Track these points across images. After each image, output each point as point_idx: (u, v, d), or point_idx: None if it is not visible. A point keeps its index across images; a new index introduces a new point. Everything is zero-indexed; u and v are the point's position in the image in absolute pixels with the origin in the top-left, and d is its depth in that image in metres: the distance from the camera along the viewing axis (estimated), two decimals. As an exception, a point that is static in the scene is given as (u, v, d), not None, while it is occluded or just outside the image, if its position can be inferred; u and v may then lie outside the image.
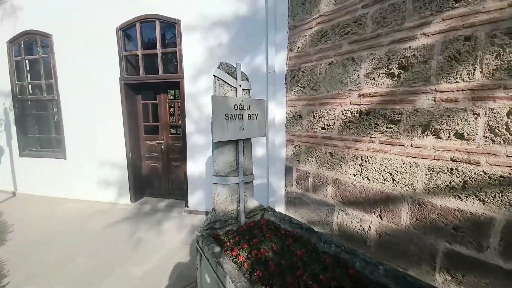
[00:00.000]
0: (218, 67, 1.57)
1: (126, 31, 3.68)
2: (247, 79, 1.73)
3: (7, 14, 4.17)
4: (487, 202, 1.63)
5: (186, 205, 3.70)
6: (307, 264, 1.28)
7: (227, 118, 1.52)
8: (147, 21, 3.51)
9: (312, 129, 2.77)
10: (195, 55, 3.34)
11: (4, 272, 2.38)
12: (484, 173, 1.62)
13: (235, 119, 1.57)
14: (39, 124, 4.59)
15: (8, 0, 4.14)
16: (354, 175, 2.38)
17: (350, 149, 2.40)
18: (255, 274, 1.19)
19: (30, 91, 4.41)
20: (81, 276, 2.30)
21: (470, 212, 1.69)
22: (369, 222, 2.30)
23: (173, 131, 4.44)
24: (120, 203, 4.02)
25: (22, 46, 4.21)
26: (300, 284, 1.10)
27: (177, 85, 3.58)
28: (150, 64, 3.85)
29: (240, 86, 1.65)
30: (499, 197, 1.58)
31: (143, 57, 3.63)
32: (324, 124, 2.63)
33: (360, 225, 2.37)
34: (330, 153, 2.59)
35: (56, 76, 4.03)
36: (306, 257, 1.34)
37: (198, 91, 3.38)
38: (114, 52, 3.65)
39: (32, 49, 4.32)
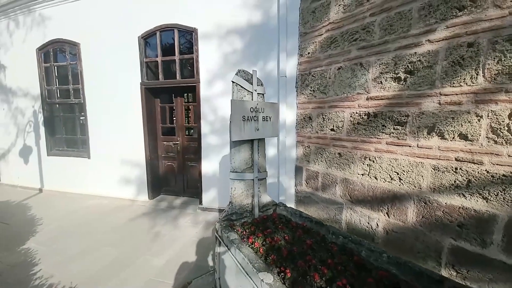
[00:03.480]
0: (236, 74, 1.75)
1: (147, 39, 3.95)
2: (262, 85, 1.89)
3: (36, 23, 4.56)
4: (490, 200, 1.70)
5: (200, 202, 3.90)
6: (316, 251, 1.41)
7: (244, 119, 1.68)
8: (166, 29, 3.77)
9: (322, 130, 2.89)
10: (211, 61, 3.56)
11: (35, 261, 2.63)
12: (487, 172, 1.70)
13: (251, 120, 1.74)
14: (65, 126, 4.95)
15: (37, 10, 4.51)
16: (362, 174, 2.48)
17: (358, 150, 2.50)
18: (270, 258, 1.34)
19: (58, 95, 4.78)
20: (106, 264, 2.51)
21: (474, 210, 1.77)
22: (376, 220, 2.39)
23: (188, 132, 4.68)
24: (139, 199, 4.27)
25: (51, 53, 4.59)
26: (310, 267, 1.24)
27: (193, 89, 3.80)
28: (168, 69, 4.10)
29: (256, 91, 1.81)
30: (501, 195, 1.65)
31: (162, 63, 3.89)
32: (333, 126, 2.75)
33: (368, 223, 2.46)
34: (339, 153, 2.71)
35: (83, 82, 4.36)
36: (315, 246, 1.47)
37: (213, 95, 3.58)
38: (136, 59, 3.93)
39: (60, 56, 4.69)
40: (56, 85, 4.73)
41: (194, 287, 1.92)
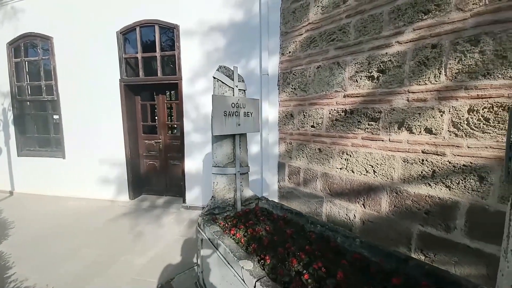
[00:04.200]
0: (218, 70, 1.77)
1: (126, 35, 3.84)
2: (243, 81, 1.93)
3: (8, 16, 4.27)
4: (452, 188, 1.87)
5: (184, 201, 3.86)
6: (295, 240, 1.48)
7: (225, 114, 1.71)
8: (146, 25, 3.69)
9: (303, 127, 2.99)
10: (193, 58, 3.54)
11: (9, 264, 2.49)
12: (449, 162, 1.86)
13: (233, 116, 1.77)
14: (37, 124, 4.68)
15: (9, 2, 4.24)
16: (341, 168, 2.61)
17: (337, 145, 2.62)
18: (251, 247, 1.38)
19: (29, 92, 4.50)
20: (85, 265, 2.43)
21: (439, 198, 1.93)
22: (354, 211, 2.52)
23: (171, 131, 4.61)
24: (120, 200, 4.14)
25: (22, 48, 4.32)
26: (289, 254, 1.30)
27: (175, 87, 3.76)
28: (149, 66, 4.01)
29: (237, 86, 1.85)
30: (462, 183, 1.82)
31: (143, 59, 3.80)
32: (313, 123, 2.85)
33: (346, 214, 2.59)
34: (319, 149, 2.82)
35: (56, 78, 4.15)
36: (295, 235, 1.54)
37: (196, 92, 3.56)
38: (115, 55, 3.80)
39: (32, 51, 4.43)
40: (27, 81, 4.45)
41: (177, 282, 1.92)
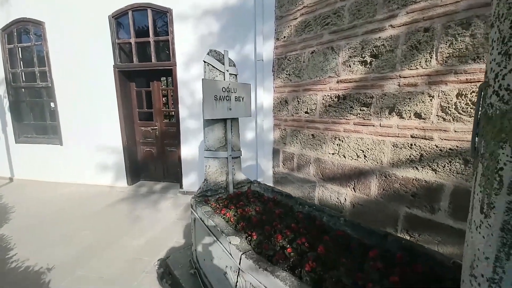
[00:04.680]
0: (208, 54, 1.77)
1: (118, 19, 3.76)
2: (234, 65, 1.93)
3: (0, 2, 4.16)
4: (438, 171, 1.92)
5: (181, 186, 3.94)
6: (283, 219, 1.54)
7: (216, 99, 1.73)
8: (139, 9, 3.60)
9: (297, 113, 3.01)
10: (187, 44, 3.49)
11: (10, 246, 2.58)
12: (436, 146, 1.91)
13: (223, 100, 1.79)
14: (33, 111, 4.67)
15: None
16: (333, 154, 2.65)
17: (330, 131, 2.65)
18: (240, 225, 1.45)
19: (24, 79, 4.46)
20: (84, 246, 2.52)
21: (425, 181, 1.99)
22: (345, 195, 2.59)
23: (167, 117, 4.62)
24: (118, 186, 4.22)
25: (15, 33, 4.24)
26: (276, 231, 1.37)
27: (169, 73, 3.73)
28: (143, 51, 3.96)
29: (228, 71, 1.85)
30: (448, 166, 1.87)
31: (136, 45, 3.75)
32: (307, 109, 2.87)
33: (337, 198, 2.66)
34: (312, 135, 2.85)
35: (50, 63, 4.10)
36: (283, 215, 1.60)
37: (190, 78, 3.54)
38: (107, 40, 3.74)
39: (25, 37, 4.34)
40: (21, 68, 4.40)
41: (173, 259, 2.01)
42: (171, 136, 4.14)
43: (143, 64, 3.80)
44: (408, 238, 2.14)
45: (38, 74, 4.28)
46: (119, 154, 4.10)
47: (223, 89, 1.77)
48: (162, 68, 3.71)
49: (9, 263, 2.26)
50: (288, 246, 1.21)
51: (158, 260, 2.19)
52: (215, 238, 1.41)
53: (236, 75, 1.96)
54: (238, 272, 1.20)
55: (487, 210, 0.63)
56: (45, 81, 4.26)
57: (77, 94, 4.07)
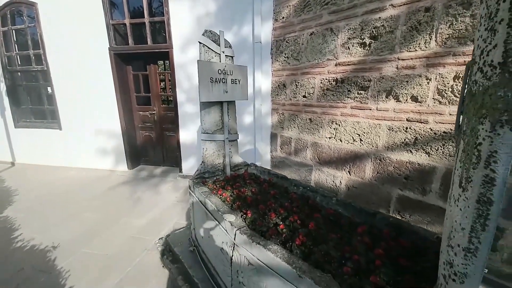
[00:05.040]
0: (203, 34, 1.74)
1: (112, -1, 3.64)
2: (230, 47, 1.90)
3: None
4: (431, 154, 1.95)
5: (180, 170, 4.00)
6: (277, 199, 1.59)
7: (212, 81, 1.72)
8: (133, -12, 3.47)
9: (295, 97, 2.99)
10: (183, 25, 3.39)
11: (15, 226, 2.67)
12: (431, 130, 1.92)
13: (219, 82, 1.78)
14: (31, 96, 4.63)
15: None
16: (329, 138, 2.67)
17: (327, 115, 2.66)
18: (235, 204, 1.50)
19: (19, 62, 4.39)
20: (88, 227, 2.62)
21: (418, 163, 2.03)
22: (340, 178, 2.65)
23: (165, 102, 4.59)
24: (118, 170, 4.29)
25: (9, 16, 4.11)
26: (270, 209, 1.42)
27: (166, 56, 3.66)
28: (138, 33, 3.86)
29: (224, 52, 1.83)
30: (441, 149, 1.90)
31: (131, 26, 3.65)
32: (305, 93, 2.85)
33: (333, 181, 2.72)
34: (309, 119, 2.85)
35: (44, 46, 4.01)
36: (278, 195, 1.65)
37: (188, 61, 3.49)
38: (101, 21, 3.64)
39: (19, 20, 4.22)
40: (16, 51, 4.31)
41: (172, 238, 2.10)
42: (170, 120, 4.14)
43: (139, 46, 3.72)
44: (399, 218, 2.22)
45: (33, 57, 4.21)
46: (119, 138, 4.13)
47: (219, 71, 1.76)
48: (158, 50, 3.64)
49: (14, 243, 2.36)
50: (281, 223, 1.27)
51: (159, 239, 2.28)
52: (212, 217, 1.47)
53: (232, 57, 1.93)
54: (233, 247, 1.26)
55: (465, 184, 0.66)
56: (40, 65, 4.19)
57: (73, 77, 4.03)
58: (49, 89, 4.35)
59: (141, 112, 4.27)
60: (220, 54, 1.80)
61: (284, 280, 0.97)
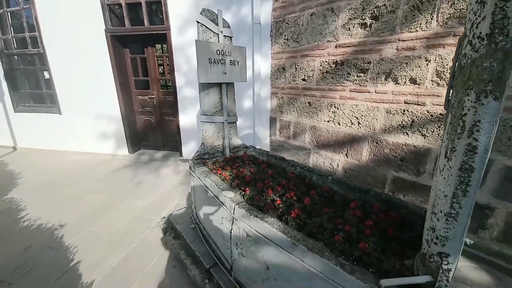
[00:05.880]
0: (201, 13, 1.71)
1: (106, -23, 3.51)
2: (228, 27, 1.88)
3: None
4: (427, 136, 1.99)
5: (181, 155, 4.06)
6: (275, 178, 1.65)
7: (210, 62, 1.72)
8: (128, -35, 3.34)
9: (294, 81, 2.98)
10: (181, 5, 3.30)
11: (21, 207, 2.75)
12: (428, 112, 1.94)
13: (218, 63, 1.78)
14: (29, 80, 4.59)
15: None
16: (328, 121, 2.70)
17: (326, 98, 2.66)
18: (234, 183, 1.56)
19: (15, 45, 4.31)
20: (94, 207, 2.71)
21: (414, 146, 2.07)
22: (337, 161, 2.70)
23: (164, 86, 4.56)
24: (120, 154, 4.34)
25: (2, -4, 4.00)
26: (268, 187, 1.48)
27: (164, 38, 3.59)
28: (135, 14, 3.77)
29: (222, 32, 1.81)
30: (436, 131, 1.93)
31: (127, 6, 3.55)
32: (304, 76, 2.84)
33: (331, 164, 2.78)
34: (309, 102, 2.86)
35: (39, 29, 3.92)
36: (275, 175, 1.70)
37: (186, 43, 3.43)
38: (96, 1, 3.54)
39: (13, 1, 4.10)
40: (12, 34, 4.22)
41: (175, 217, 2.19)
42: (169, 105, 4.14)
43: (136, 28, 3.64)
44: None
45: (29, 40, 4.13)
46: (119, 123, 4.15)
47: (218, 51, 1.75)
48: (155, 32, 3.56)
49: (21, 222, 2.45)
50: (278, 199, 1.33)
51: (161, 218, 2.37)
52: (212, 194, 1.53)
53: (231, 37, 1.91)
54: (232, 221, 1.33)
55: (449, 154, 0.70)
56: (36, 47, 4.12)
57: (70, 60, 3.97)
58: (46, 73, 4.31)
59: (140, 97, 4.26)
60: (218, 34, 1.78)
61: (279, 248, 1.04)
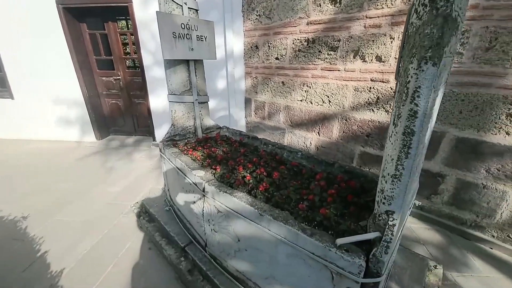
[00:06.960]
0: (161, -18, 1.57)
1: None
2: (193, -2, 1.76)
3: None
4: (390, 112, 2.11)
5: (154, 139, 3.91)
6: (247, 156, 1.66)
7: (175, 36, 1.62)
8: None
9: (268, 60, 2.93)
10: (143, -26, 3.01)
11: (-22, 201, 2.52)
12: (391, 89, 2.05)
13: (184, 38, 1.68)
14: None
15: None
16: (301, 100, 2.74)
17: (299, 77, 2.68)
18: (206, 162, 1.55)
19: None
20: (61, 196, 2.55)
21: (379, 121, 2.19)
22: (310, 139, 2.79)
23: (131, 65, 4.24)
24: (86, 141, 4.07)
25: None
26: (239, 164, 1.49)
27: (126, 11, 3.28)
28: (90, -16, 3.36)
29: (186, 4, 1.69)
30: (398, 107, 2.05)
31: (80, -26, 3.15)
32: (277, 54, 2.80)
33: (304, 142, 2.86)
34: (282, 82, 2.86)
35: (-27, -3, 3.36)
36: (248, 153, 1.72)
37: (151, 18, 3.16)
38: (42, -34, 3.08)
39: None
40: None
41: (148, 201, 2.15)
42: (137, 86, 3.89)
43: (93, 0, 3.27)
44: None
45: (-40, 11, 3.53)
46: (82, 107, 3.84)
47: (182, 25, 1.64)
48: (115, 5, 3.23)
49: (-21, 215, 2.26)
50: (248, 175, 1.35)
51: (135, 203, 2.32)
52: (183, 175, 1.51)
53: (197, 10, 1.80)
54: (203, 198, 1.34)
55: (396, 121, 0.75)
56: (-29, 20, 3.55)
57: (18, 38, 3.50)
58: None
59: (104, 78, 3.93)
60: (182, 5, 1.67)
61: (248, 220, 1.08)
